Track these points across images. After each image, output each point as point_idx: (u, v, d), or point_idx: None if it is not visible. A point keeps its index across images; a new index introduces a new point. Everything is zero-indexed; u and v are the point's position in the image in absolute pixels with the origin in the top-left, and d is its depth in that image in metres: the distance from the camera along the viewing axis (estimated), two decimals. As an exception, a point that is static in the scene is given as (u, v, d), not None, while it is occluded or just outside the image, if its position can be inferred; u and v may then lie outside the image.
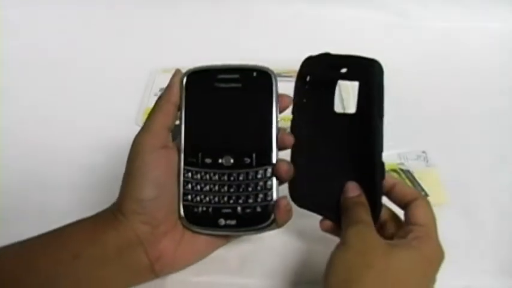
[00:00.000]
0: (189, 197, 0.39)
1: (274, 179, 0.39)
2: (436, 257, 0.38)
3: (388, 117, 0.62)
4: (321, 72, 0.43)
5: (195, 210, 0.39)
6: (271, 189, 0.39)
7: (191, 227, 0.39)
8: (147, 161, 0.38)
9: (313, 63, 0.43)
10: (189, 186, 0.38)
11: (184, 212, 0.39)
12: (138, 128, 0.61)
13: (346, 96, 0.65)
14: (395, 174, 0.55)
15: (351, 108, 0.63)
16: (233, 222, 0.38)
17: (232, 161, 0.39)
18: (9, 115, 0.63)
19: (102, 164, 0.56)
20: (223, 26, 0.77)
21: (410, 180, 0.55)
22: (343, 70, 0.41)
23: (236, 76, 0.41)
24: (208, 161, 0.39)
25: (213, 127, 0.40)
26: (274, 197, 0.39)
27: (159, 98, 0.40)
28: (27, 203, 0.52)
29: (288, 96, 0.42)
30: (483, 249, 0.49)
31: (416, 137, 0.60)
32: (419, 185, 0.54)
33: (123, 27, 0.76)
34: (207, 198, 0.39)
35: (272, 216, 0.38)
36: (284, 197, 0.40)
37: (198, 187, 0.39)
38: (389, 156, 0.58)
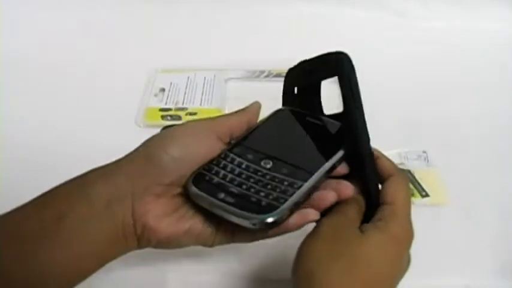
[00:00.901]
0: (209, 168, 0.38)
1: (299, 192, 0.37)
2: (405, 236, 0.37)
3: (388, 117, 0.63)
4: (304, 80, 0.43)
5: (206, 178, 0.38)
6: (290, 196, 0.36)
7: (189, 187, 0.37)
8: (195, 130, 0.38)
9: (295, 74, 0.44)
10: (216, 162, 0.38)
11: (194, 175, 0.38)
12: (138, 128, 0.62)
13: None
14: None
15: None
16: (232, 200, 0.36)
17: (271, 164, 0.39)
18: (9, 115, 0.63)
19: (102, 164, 0.56)
20: (223, 26, 0.77)
21: (410, 180, 0.55)
22: (321, 70, 0.42)
23: (321, 121, 0.43)
24: (250, 156, 0.39)
25: (273, 140, 0.41)
26: (287, 204, 0.36)
27: (239, 110, 0.41)
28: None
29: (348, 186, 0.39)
30: (483, 249, 0.49)
31: (417, 137, 0.60)
32: (419, 185, 0.54)
33: (123, 27, 0.76)
34: (222, 175, 0.38)
35: (273, 213, 0.36)
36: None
37: (223, 165, 0.38)
38: (390, 156, 0.58)
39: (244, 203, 0.36)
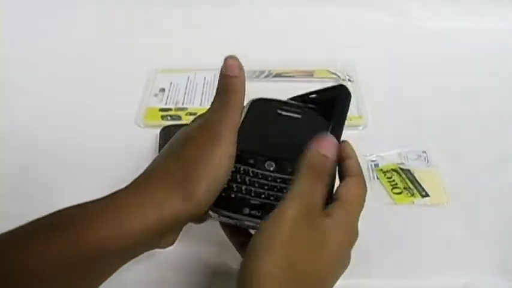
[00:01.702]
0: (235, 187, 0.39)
1: None
2: (348, 237, 0.36)
3: (389, 117, 0.63)
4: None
5: (223, 194, 0.38)
6: None
7: (216, 210, 0.38)
8: (216, 162, 0.37)
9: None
10: (241, 177, 0.39)
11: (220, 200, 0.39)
12: (138, 128, 0.62)
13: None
14: (395, 174, 0.55)
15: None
16: (258, 213, 0.38)
17: (274, 166, 0.40)
18: (9, 115, 0.63)
19: (103, 164, 0.56)
20: (223, 26, 0.77)
21: (410, 179, 0.55)
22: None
23: (298, 111, 0.43)
24: (251, 161, 0.40)
25: (265, 138, 0.41)
26: None
27: (227, 100, 0.40)
28: (27, 202, 0.52)
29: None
30: (483, 248, 0.49)
31: (417, 137, 0.60)
32: (419, 184, 0.54)
33: (123, 27, 0.76)
34: (237, 187, 0.39)
35: None
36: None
37: (233, 177, 0.39)
38: (390, 155, 0.58)
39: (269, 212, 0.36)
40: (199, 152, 0.38)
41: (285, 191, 0.38)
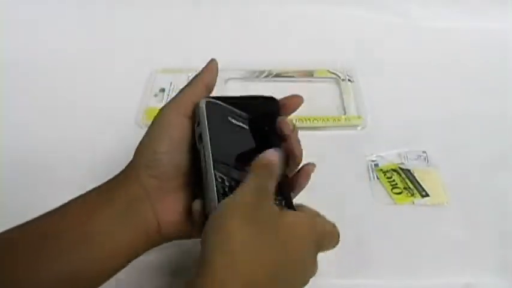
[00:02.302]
0: (224, 192, 0.39)
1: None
2: (324, 234, 0.39)
3: (389, 117, 0.63)
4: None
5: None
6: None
7: None
8: (166, 122, 0.40)
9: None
10: (221, 186, 0.38)
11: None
12: (138, 128, 0.62)
13: (347, 97, 0.65)
14: (395, 174, 0.55)
15: (351, 109, 0.63)
16: None
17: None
18: (8, 115, 0.63)
19: (103, 164, 0.56)
20: (223, 26, 0.77)
21: (410, 179, 0.55)
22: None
23: (244, 120, 0.44)
24: (235, 175, 0.39)
25: (234, 149, 0.41)
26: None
27: (194, 77, 0.43)
28: (27, 202, 0.52)
29: (298, 96, 0.44)
30: (483, 248, 0.49)
31: (417, 137, 0.60)
32: (419, 185, 0.54)
33: (123, 27, 0.76)
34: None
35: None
36: (312, 164, 0.43)
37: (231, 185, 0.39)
38: (390, 155, 0.58)
39: None
40: (155, 119, 0.41)
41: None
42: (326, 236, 0.39)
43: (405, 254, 0.49)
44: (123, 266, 0.39)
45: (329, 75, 0.69)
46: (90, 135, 0.60)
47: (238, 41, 0.72)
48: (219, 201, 0.37)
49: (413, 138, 0.60)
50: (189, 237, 0.41)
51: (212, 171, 0.38)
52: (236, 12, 0.77)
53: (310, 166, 0.43)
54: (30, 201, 0.52)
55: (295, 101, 0.44)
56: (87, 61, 0.71)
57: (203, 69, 0.43)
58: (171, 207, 0.40)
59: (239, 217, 0.33)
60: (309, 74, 0.69)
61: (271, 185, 0.37)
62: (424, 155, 0.58)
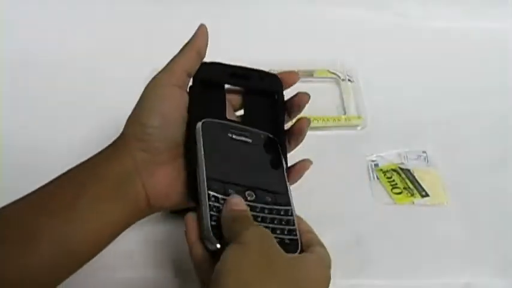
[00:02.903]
0: (213, 218, 0.38)
1: (294, 216, 0.40)
2: (328, 257, 0.38)
3: (389, 117, 0.63)
4: (232, 80, 0.46)
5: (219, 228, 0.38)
6: (294, 226, 0.39)
7: (215, 244, 0.37)
8: (158, 93, 0.40)
9: (222, 70, 0.46)
10: (214, 209, 0.38)
11: (212, 228, 0.37)
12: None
13: (347, 97, 0.65)
14: (395, 174, 0.55)
15: (351, 109, 0.63)
16: None
17: (253, 196, 0.39)
18: (8, 115, 0.63)
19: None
20: (223, 27, 0.77)
21: (410, 179, 0.55)
22: (257, 80, 0.46)
23: (247, 134, 0.43)
24: (230, 191, 0.39)
25: (232, 166, 0.41)
26: (298, 235, 0.39)
27: (185, 45, 0.42)
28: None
29: (294, 73, 0.46)
30: (483, 248, 0.50)
31: (417, 137, 0.60)
32: (419, 185, 0.54)
33: (123, 27, 0.76)
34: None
35: (299, 249, 0.38)
36: (308, 160, 0.44)
37: (215, 208, 0.38)
38: (390, 155, 0.58)
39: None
40: (146, 90, 0.41)
41: (275, 222, 0.38)
42: (329, 260, 0.38)
43: (405, 254, 0.49)
44: (114, 238, 0.39)
45: (329, 75, 0.69)
46: (90, 135, 0.60)
47: (238, 41, 0.72)
48: (211, 220, 0.36)
49: (413, 138, 0.60)
50: (178, 207, 0.42)
51: (206, 191, 0.38)
52: (236, 12, 0.77)
53: (307, 162, 0.43)
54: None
55: (292, 77, 0.45)
56: (87, 61, 0.71)
57: (193, 35, 0.42)
58: (161, 180, 0.40)
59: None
60: (309, 74, 0.69)
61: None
62: (424, 155, 0.58)
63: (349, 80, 0.68)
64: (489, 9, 0.75)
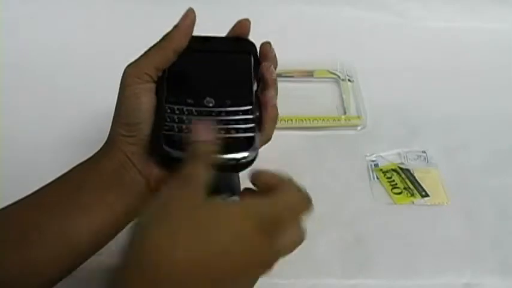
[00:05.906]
0: (169, 128, 0.40)
1: (255, 116, 0.41)
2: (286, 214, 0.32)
3: (389, 117, 0.63)
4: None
5: (175, 138, 0.39)
6: (253, 123, 0.40)
7: (172, 153, 0.39)
8: (132, 92, 0.41)
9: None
10: (170, 119, 0.40)
11: (162, 138, 0.39)
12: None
13: (347, 97, 0.65)
14: (395, 174, 0.55)
15: (351, 109, 0.63)
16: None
17: (213, 102, 0.41)
18: (8, 115, 0.63)
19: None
20: (223, 27, 0.77)
21: (410, 179, 0.55)
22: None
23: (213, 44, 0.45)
24: (190, 101, 0.40)
25: (195, 76, 0.43)
26: (258, 134, 0.40)
27: (164, 36, 0.43)
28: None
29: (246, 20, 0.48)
30: (483, 248, 0.50)
31: (417, 137, 0.60)
32: (419, 185, 0.54)
33: (123, 27, 0.76)
34: (187, 128, 0.40)
35: (256, 141, 0.39)
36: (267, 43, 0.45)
37: (178, 119, 0.40)
38: (390, 155, 0.58)
39: (228, 146, 0.38)
40: (120, 89, 0.43)
41: (232, 123, 0.39)
42: (281, 212, 0.31)
43: (405, 254, 0.49)
44: (118, 229, 0.39)
45: (329, 75, 0.69)
46: (90, 135, 0.60)
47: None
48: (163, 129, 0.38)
49: (413, 138, 0.60)
50: None
51: (164, 108, 0.40)
52: (236, 12, 0.77)
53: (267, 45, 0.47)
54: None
55: (243, 25, 0.48)
56: (87, 61, 0.71)
57: (174, 27, 0.43)
58: (156, 165, 0.40)
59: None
60: (309, 74, 0.69)
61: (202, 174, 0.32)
62: (424, 155, 0.58)
63: (349, 80, 0.68)
64: (489, 9, 0.75)
